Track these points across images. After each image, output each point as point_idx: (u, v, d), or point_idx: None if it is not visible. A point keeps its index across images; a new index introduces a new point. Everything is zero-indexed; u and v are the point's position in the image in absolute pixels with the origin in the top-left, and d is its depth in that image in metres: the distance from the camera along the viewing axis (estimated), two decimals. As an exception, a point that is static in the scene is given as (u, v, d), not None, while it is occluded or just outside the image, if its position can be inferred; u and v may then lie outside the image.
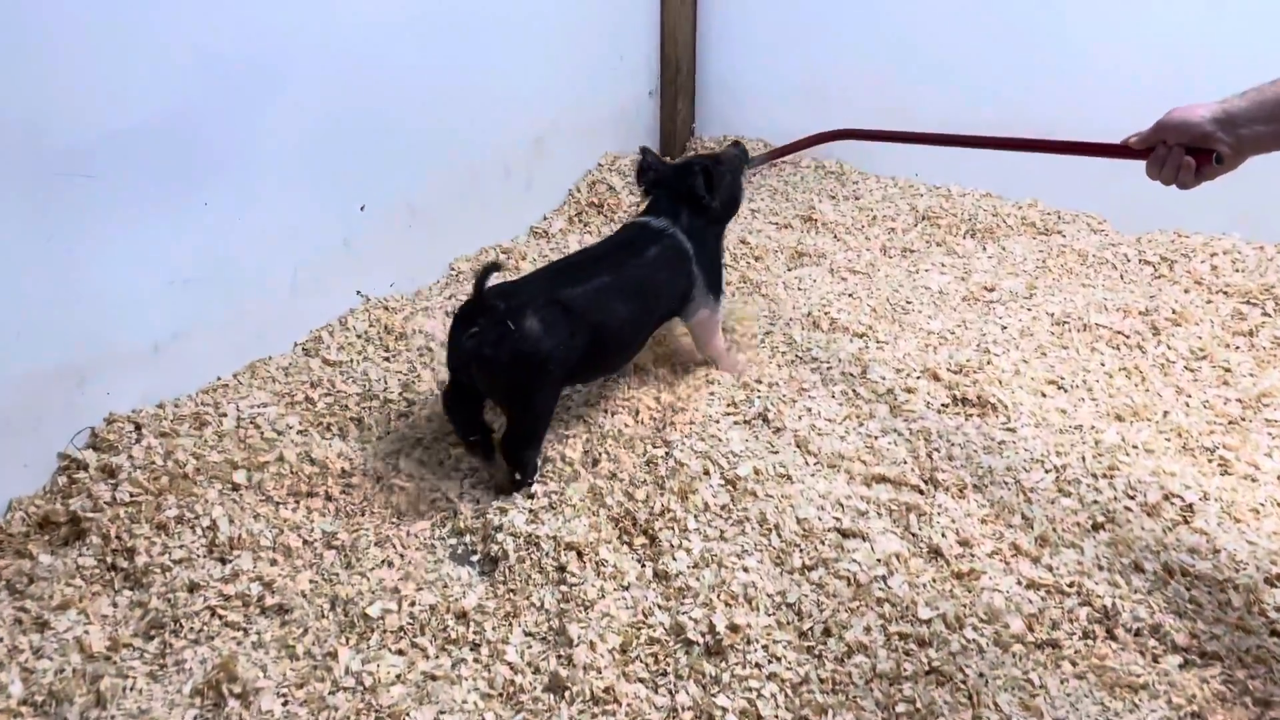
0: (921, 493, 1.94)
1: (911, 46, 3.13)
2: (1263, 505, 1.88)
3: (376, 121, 2.41)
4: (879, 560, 1.75)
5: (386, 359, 2.36)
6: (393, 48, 2.40)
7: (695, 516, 1.86)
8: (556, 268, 2.11)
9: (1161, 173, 1.63)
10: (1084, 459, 2.01)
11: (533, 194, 3.02)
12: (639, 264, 2.11)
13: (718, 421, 2.15)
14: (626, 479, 1.97)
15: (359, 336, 2.42)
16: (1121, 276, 2.74)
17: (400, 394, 2.24)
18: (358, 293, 2.53)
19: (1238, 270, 2.68)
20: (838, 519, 1.86)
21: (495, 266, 1.84)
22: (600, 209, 3.13)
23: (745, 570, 1.73)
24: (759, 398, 2.23)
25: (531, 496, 1.92)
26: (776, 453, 2.05)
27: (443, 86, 2.58)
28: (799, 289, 2.72)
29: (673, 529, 1.84)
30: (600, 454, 2.04)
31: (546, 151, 3.02)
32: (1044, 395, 2.23)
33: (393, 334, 2.44)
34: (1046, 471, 1.99)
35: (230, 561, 1.77)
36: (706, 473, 1.97)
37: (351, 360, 2.34)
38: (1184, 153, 1.58)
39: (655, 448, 2.05)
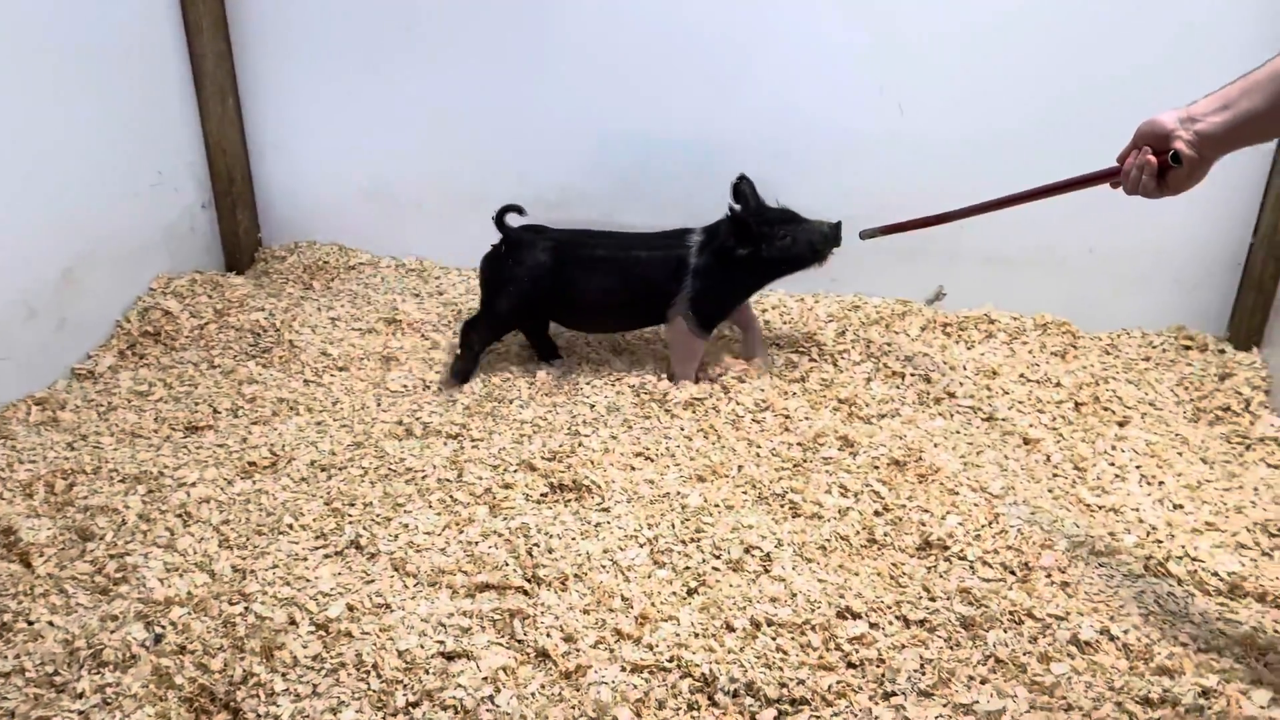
0: (526, 593, 1.90)
1: (472, 139, 3.17)
2: (829, 541, 2.05)
3: None
4: (485, 679, 1.68)
5: (-124, 561, 1.93)
6: None
7: (283, 675, 1.68)
8: (584, 230, 2.68)
9: (1129, 180, 1.58)
10: (673, 526, 2.08)
11: (68, 333, 2.66)
12: (641, 250, 2.60)
13: (305, 559, 1.98)
14: (199, 649, 1.74)
15: None
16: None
17: (-103, 603, 1.83)
18: None
19: (785, 322, 2.97)
20: (441, 642, 1.76)
21: (515, 209, 2.63)
22: (157, 337, 2.83)
23: (342, 725, 1.58)
24: (350, 524, 2.09)
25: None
26: (372, 581, 1.92)
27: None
28: (389, 395, 2.61)
29: (258, 696, 1.64)
30: (164, 626, 1.78)
31: (80, 284, 2.68)
32: (633, 469, 2.29)
33: (-116, 529, 2.00)
34: (640, 546, 2.03)
35: None
36: (293, 622, 1.80)
37: None
38: (1149, 152, 1.54)
39: (231, 605, 1.84)
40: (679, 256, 2.58)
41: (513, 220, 2.64)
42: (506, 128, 3.13)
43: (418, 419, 2.47)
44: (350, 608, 1.83)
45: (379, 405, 2.56)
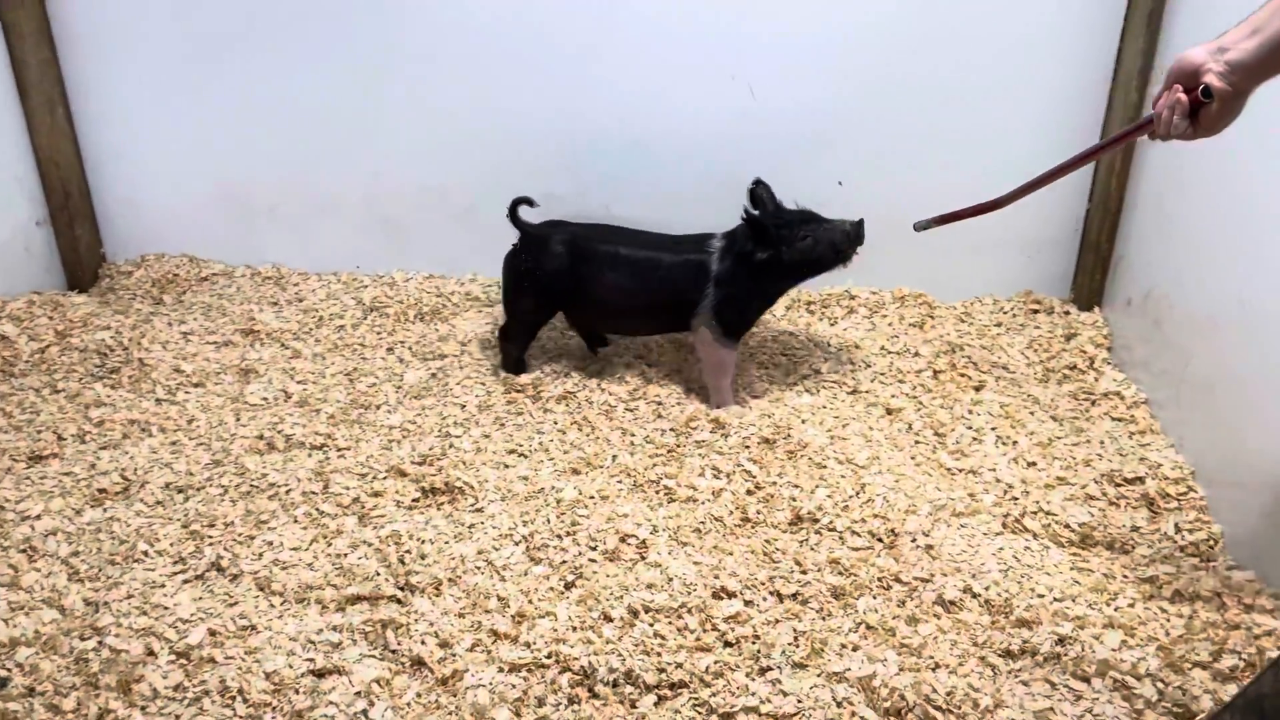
0: (399, 602, 1.86)
1: (324, 139, 3.08)
2: (703, 524, 2.07)
3: None
4: (358, 693, 1.64)
5: None
6: None
7: (143, 709, 1.61)
8: (603, 226, 2.64)
9: (1162, 123, 1.47)
10: (549, 521, 2.06)
11: (-110, 365, 2.48)
12: (662, 254, 2.50)
13: (162, 586, 1.90)
14: (50, 690, 1.64)
15: None
16: (562, 333, 2.91)
17: None
18: None
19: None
20: (311, 660, 1.71)
21: (527, 201, 2.55)
22: (-8, 365, 2.66)
23: (207, 756, 1.52)
24: (210, 545, 2.00)
25: None
26: (235, 604, 1.85)
27: None
28: (248, 409, 2.51)
29: (115, 733, 1.57)
30: (10, 669, 1.68)
31: (-100, 312, 2.50)
32: (506, 466, 2.27)
33: None
34: (516, 544, 2.01)
35: None
36: (151, 653, 1.72)
37: None
38: (1180, 91, 1.44)
39: (84, 640, 1.74)
40: (701, 263, 2.47)
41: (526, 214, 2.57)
42: (359, 125, 3.04)
43: (279, 432, 2.39)
44: (212, 632, 1.76)
45: (238, 420, 2.46)
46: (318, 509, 2.12)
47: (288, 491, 2.18)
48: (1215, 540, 1.99)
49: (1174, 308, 2.42)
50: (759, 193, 2.46)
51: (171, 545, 2.01)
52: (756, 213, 2.41)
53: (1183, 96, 1.43)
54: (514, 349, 2.67)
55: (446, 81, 2.97)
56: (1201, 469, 2.17)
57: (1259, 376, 1.98)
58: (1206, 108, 1.41)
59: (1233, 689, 1.62)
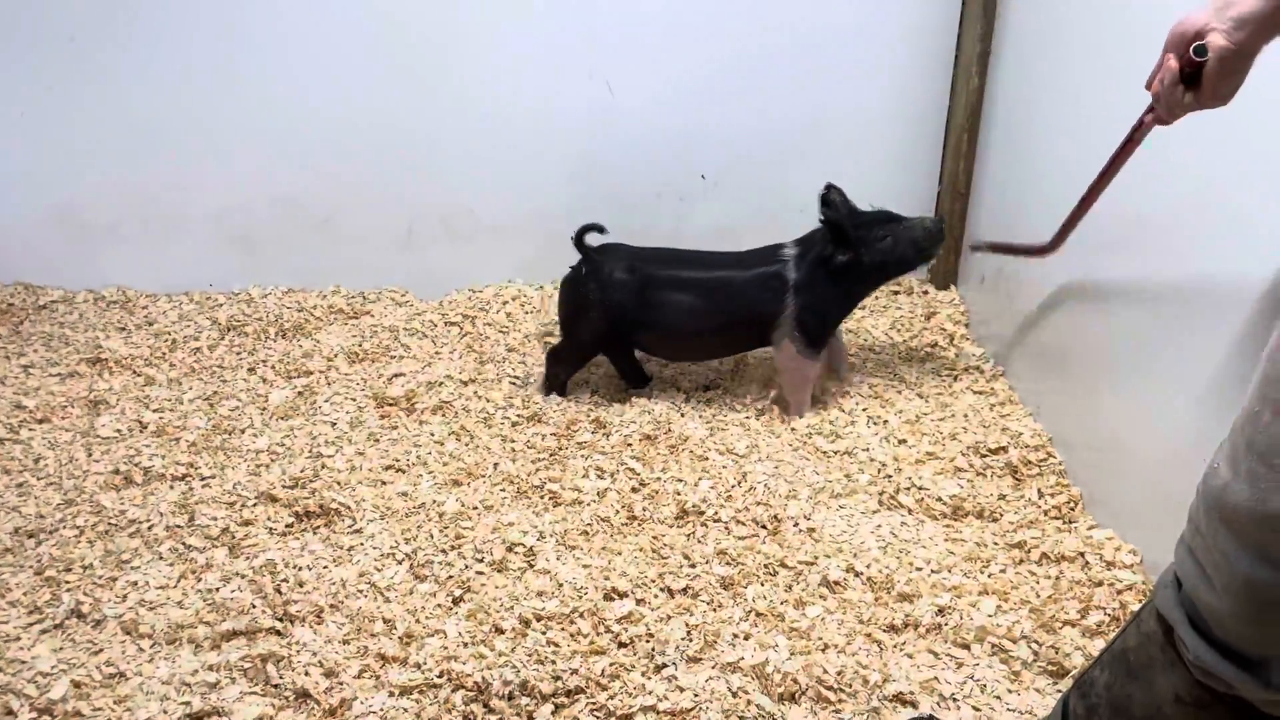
0: (279, 634, 1.78)
1: (166, 152, 2.93)
2: (590, 525, 2.05)
3: None
4: (241, 734, 1.56)
5: None
6: None
7: (2, 776, 1.50)
8: (667, 250, 2.49)
9: (1161, 99, 1.34)
10: (432, 536, 2.02)
11: None
12: (735, 269, 2.42)
13: (17, 639, 1.77)
14: (-109, 767, 1.51)
15: None
16: (433, 342, 2.85)
17: None
18: None
19: (528, 312, 2.95)
20: (187, 704, 1.62)
21: (596, 228, 2.42)
22: None
23: (78, 818, 1.42)
24: (68, 591, 1.88)
25: None
26: (100, 651, 1.74)
27: None
28: (101, 443, 2.37)
29: (-29, 806, 1.45)
30: None
31: None
32: (384, 483, 2.21)
33: None
34: (399, 563, 1.95)
35: None
36: (10, 712, 1.60)
37: None
38: (1173, 58, 1.29)
39: (-71, 708, 1.61)
40: (777, 274, 2.38)
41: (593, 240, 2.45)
42: (203, 137, 2.91)
43: (137, 465, 2.26)
44: (77, 684, 1.66)
45: (90, 455, 2.31)
46: (184, 543, 2.02)
47: (150, 527, 2.06)
48: (1075, 502, 2.10)
49: (1023, 283, 2.54)
50: (831, 197, 2.35)
51: (25, 594, 1.88)
52: (833, 215, 2.34)
53: (1172, 63, 1.30)
54: (559, 382, 2.57)
55: (293, 89, 2.86)
56: (1058, 435, 2.29)
57: (1104, 343, 2.09)
58: (1207, 71, 1.27)
59: (1100, 644, 1.71)
